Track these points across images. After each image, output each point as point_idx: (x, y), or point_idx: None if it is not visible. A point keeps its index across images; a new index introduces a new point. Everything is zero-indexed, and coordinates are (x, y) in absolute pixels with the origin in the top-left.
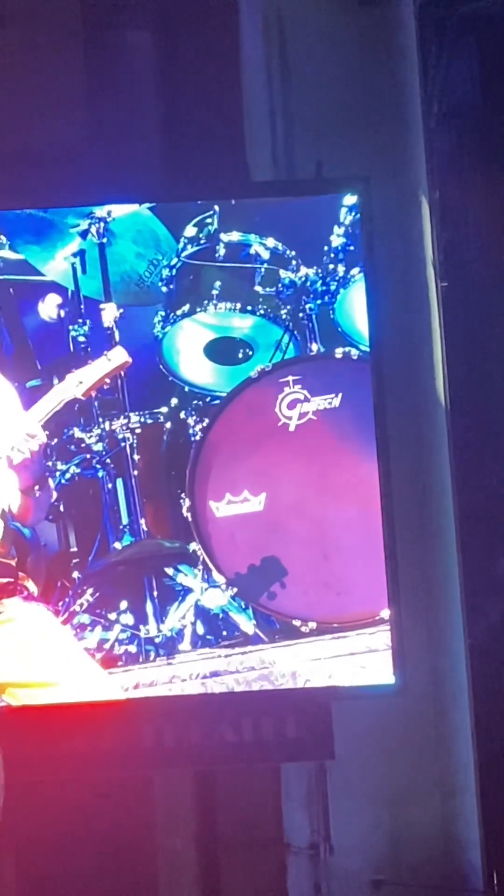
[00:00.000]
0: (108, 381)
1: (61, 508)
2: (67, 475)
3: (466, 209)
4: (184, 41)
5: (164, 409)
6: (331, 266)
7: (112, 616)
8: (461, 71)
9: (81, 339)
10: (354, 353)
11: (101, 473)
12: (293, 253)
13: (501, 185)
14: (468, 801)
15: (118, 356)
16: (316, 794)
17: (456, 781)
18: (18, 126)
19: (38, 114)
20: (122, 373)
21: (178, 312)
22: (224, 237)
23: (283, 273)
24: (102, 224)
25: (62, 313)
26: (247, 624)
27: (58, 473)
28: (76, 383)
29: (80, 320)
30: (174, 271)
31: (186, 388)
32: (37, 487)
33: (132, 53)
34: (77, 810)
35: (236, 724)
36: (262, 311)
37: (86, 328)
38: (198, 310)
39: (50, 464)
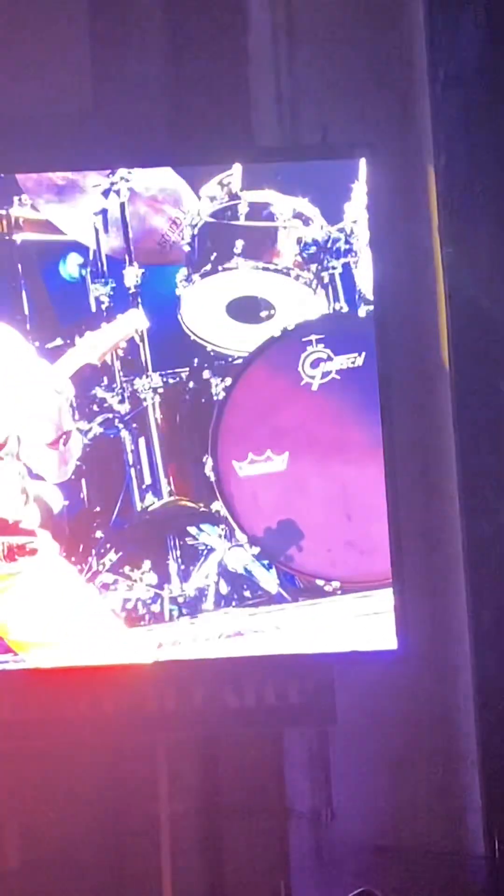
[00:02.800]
0: (123, 344)
1: (84, 468)
2: (90, 435)
3: (473, 175)
4: (190, 4)
5: (187, 369)
6: (353, 224)
7: (135, 575)
8: (468, 36)
9: (104, 298)
10: None
11: (123, 433)
12: (316, 211)
13: None
14: (470, 768)
15: (133, 320)
16: (318, 760)
17: (458, 747)
18: (23, 89)
19: (43, 77)
20: (144, 332)
21: (201, 271)
22: (246, 196)
23: (305, 232)
24: (124, 182)
25: (84, 273)
26: (270, 583)
27: (79, 433)
28: (90, 347)
29: (102, 280)
30: (196, 230)
31: (209, 348)
32: (62, 441)
33: (137, 17)
34: (79, 774)
35: (239, 689)
36: (284, 270)
37: (108, 288)
38: (220, 269)
39: (75, 425)
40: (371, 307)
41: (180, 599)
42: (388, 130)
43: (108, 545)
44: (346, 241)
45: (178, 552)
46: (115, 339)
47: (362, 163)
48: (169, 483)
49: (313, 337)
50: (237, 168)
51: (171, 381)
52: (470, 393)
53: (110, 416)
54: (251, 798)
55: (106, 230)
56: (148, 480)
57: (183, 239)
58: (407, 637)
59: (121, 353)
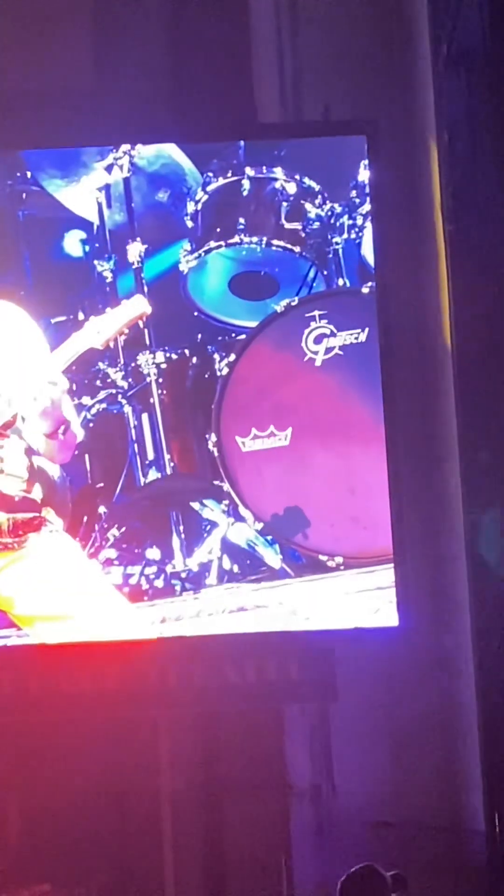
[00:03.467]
0: (127, 330)
1: (87, 444)
2: (93, 410)
3: (476, 151)
4: None
5: (190, 345)
6: (357, 200)
7: (138, 550)
8: (470, 13)
9: (107, 274)
10: None
11: (126, 409)
12: (319, 187)
13: None
14: (470, 743)
15: (137, 306)
16: (318, 736)
17: (458, 723)
18: (27, 68)
19: (47, 56)
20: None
21: (204, 247)
22: (249, 171)
23: (309, 207)
24: (128, 158)
25: (87, 248)
26: (273, 558)
27: (83, 412)
28: (95, 332)
29: (106, 255)
30: (199, 205)
31: (212, 324)
32: (60, 431)
33: None
34: (81, 750)
35: (239, 666)
36: (288, 246)
37: (111, 263)
38: (223, 244)
39: (76, 401)
40: (374, 283)
41: (183, 574)
42: (390, 107)
43: (112, 520)
44: (350, 217)
45: (182, 527)
46: (119, 324)
47: (365, 139)
48: (172, 459)
49: (316, 312)
50: (240, 144)
51: (173, 356)
52: (472, 372)
53: (113, 391)
54: (252, 774)
55: (109, 206)
56: (151, 456)
57: (186, 214)
58: (408, 613)
59: (124, 336)
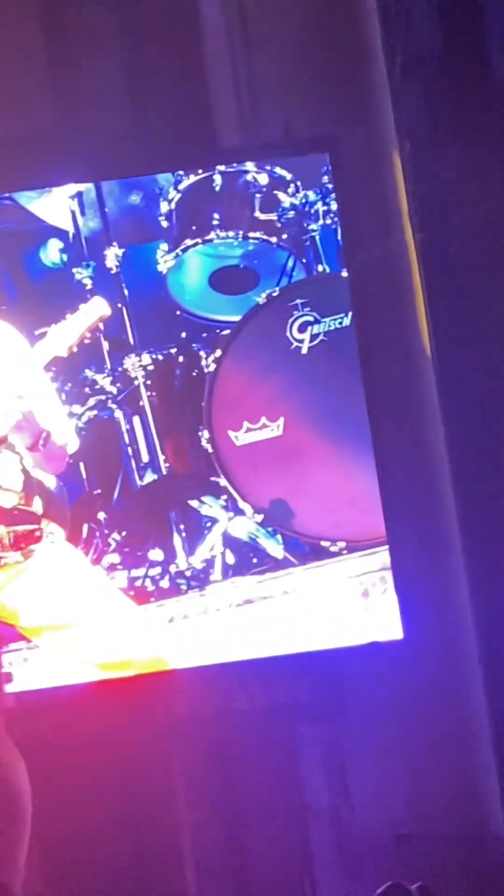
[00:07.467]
0: (88, 335)
1: (82, 451)
2: (84, 418)
3: (438, 159)
4: (143, 10)
5: (175, 344)
6: (330, 186)
7: (141, 553)
8: (422, 20)
9: (86, 281)
10: None
11: (117, 414)
12: (291, 176)
13: (470, 132)
14: (485, 750)
15: (96, 308)
16: (332, 754)
17: (471, 730)
18: None
19: (4, 99)
20: (125, 311)
21: (180, 246)
22: (220, 166)
23: (282, 197)
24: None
25: (65, 257)
26: (276, 549)
27: (74, 419)
28: (57, 340)
29: (84, 263)
30: (173, 204)
31: (195, 321)
32: (40, 444)
33: (92, 27)
34: (96, 791)
35: (247, 692)
36: (264, 237)
37: (90, 270)
38: (199, 242)
39: (68, 409)
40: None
41: (188, 573)
42: (350, 120)
43: (112, 526)
44: (324, 203)
45: (182, 526)
46: (80, 329)
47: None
48: (167, 459)
49: (298, 301)
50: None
51: (159, 357)
52: (453, 382)
53: (103, 397)
54: (269, 799)
55: (83, 213)
56: (146, 458)
57: (160, 215)
58: (412, 623)
59: (111, 328)
